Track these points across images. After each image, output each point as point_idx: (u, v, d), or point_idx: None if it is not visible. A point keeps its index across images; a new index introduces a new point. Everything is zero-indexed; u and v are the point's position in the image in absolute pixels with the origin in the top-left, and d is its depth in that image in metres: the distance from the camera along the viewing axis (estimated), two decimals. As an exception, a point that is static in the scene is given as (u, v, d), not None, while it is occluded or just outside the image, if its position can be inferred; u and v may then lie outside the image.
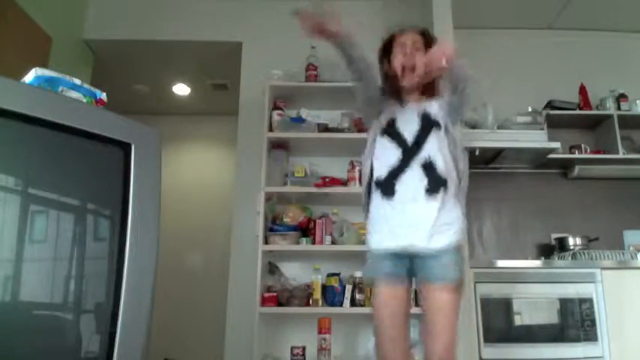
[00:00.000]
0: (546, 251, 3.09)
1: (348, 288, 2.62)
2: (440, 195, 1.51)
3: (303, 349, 2.53)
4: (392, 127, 1.59)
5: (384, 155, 1.58)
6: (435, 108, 1.60)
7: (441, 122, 1.57)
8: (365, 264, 1.64)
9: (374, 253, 1.58)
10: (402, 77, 1.59)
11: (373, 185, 1.59)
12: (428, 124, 1.56)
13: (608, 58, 3.47)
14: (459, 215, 1.56)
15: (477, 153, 3.00)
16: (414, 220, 1.49)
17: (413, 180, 1.52)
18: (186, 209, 4.34)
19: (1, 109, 1.02)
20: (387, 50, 1.67)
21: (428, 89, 1.65)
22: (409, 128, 1.56)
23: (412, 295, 1.63)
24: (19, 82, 1.20)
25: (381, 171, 1.57)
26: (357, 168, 2.71)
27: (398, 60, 1.60)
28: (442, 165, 1.53)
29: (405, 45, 1.62)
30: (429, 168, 1.52)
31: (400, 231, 1.50)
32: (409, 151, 1.54)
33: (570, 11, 3.36)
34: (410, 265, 1.53)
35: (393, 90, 1.64)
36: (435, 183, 1.51)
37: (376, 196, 1.58)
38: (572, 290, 2.57)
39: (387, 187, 1.54)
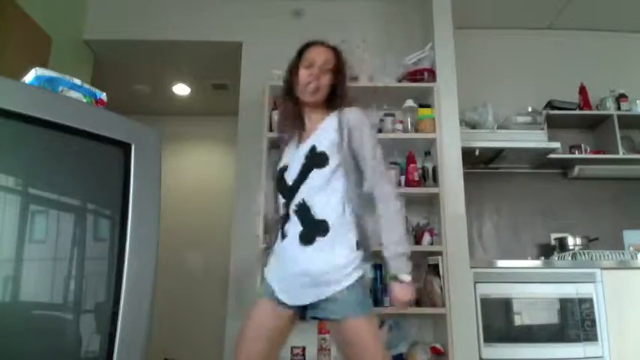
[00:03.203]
0: (546, 251, 3.09)
1: (348, 288, 2.62)
2: (318, 242, 1.43)
3: (303, 349, 2.53)
4: (282, 174, 1.55)
5: (280, 203, 1.56)
6: (326, 132, 1.51)
7: (329, 151, 1.47)
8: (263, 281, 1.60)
9: (267, 281, 1.55)
10: (303, 94, 1.56)
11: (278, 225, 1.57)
12: (310, 162, 1.48)
13: (608, 58, 3.48)
14: (349, 250, 1.44)
15: (477, 153, 3.00)
16: (293, 274, 1.45)
17: (291, 229, 1.48)
18: (187, 209, 4.34)
19: (1, 109, 1.02)
20: (297, 61, 1.61)
21: (333, 101, 1.59)
22: (294, 171, 1.51)
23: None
24: (19, 82, 1.20)
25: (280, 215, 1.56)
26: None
27: (303, 78, 1.55)
28: (322, 206, 1.45)
29: (314, 61, 1.56)
30: (302, 212, 1.46)
31: (282, 285, 1.47)
32: (288, 197, 1.51)
33: (570, 11, 3.36)
34: (300, 307, 1.48)
35: (295, 107, 1.60)
36: (310, 230, 1.44)
37: (279, 236, 1.55)
38: (572, 290, 2.57)
39: (280, 232, 1.53)
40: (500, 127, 3.07)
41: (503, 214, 3.25)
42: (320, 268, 1.41)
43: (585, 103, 3.25)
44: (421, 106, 2.84)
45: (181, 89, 4.25)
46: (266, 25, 3.33)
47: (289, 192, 1.50)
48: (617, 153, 3.06)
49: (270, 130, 2.81)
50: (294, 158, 1.54)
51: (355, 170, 1.51)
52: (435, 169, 2.75)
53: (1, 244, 1.04)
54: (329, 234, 1.43)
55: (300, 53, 1.61)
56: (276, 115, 2.84)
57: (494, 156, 3.14)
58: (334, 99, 1.58)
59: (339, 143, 1.48)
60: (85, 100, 1.31)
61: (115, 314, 1.14)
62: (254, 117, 2.99)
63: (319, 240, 1.43)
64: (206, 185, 4.53)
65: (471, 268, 2.57)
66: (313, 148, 1.49)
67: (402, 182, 2.73)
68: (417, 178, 2.72)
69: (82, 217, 1.22)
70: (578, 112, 3.22)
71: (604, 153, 3.14)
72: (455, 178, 2.69)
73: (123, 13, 3.36)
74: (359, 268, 1.44)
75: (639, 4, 3.27)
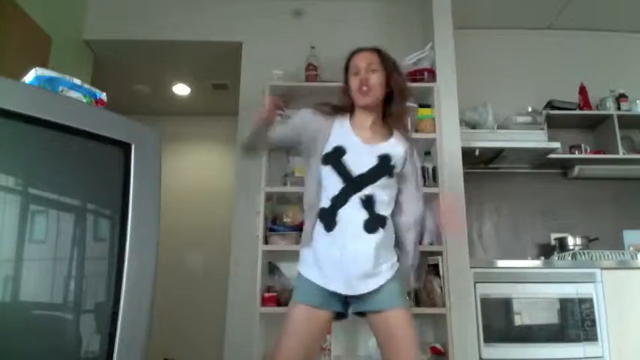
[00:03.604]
0: (546, 251, 3.09)
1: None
2: (381, 232, 1.51)
3: (303, 349, 2.53)
4: (339, 156, 1.56)
5: (329, 185, 1.56)
6: (398, 149, 1.61)
7: (398, 168, 1.59)
8: (296, 284, 1.59)
9: (305, 278, 1.53)
10: (357, 98, 1.61)
11: (317, 216, 1.56)
12: (384, 167, 1.56)
13: (608, 58, 3.48)
14: (393, 245, 1.59)
15: (477, 153, 3.00)
16: (350, 261, 1.47)
17: (353, 215, 1.51)
18: (187, 209, 4.34)
19: (1, 109, 1.02)
20: (346, 74, 1.69)
21: (390, 117, 1.66)
22: (360, 163, 1.55)
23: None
24: (19, 82, 1.20)
25: (325, 202, 1.55)
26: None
27: (354, 84, 1.61)
28: (386, 207, 1.55)
29: (359, 67, 1.62)
30: (368, 204, 1.52)
31: (335, 275, 1.48)
32: (352, 185, 1.52)
33: (570, 11, 3.36)
34: (343, 302, 1.52)
35: (349, 109, 1.66)
36: (374, 220, 1.51)
37: (319, 227, 1.54)
38: (572, 290, 2.57)
39: (329, 219, 1.52)
40: (500, 127, 3.07)
41: (503, 214, 3.25)
42: (378, 257, 1.49)
43: (585, 103, 3.25)
44: (421, 106, 2.83)
45: (181, 89, 4.25)
46: (266, 25, 3.33)
47: (356, 181, 1.53)
48: (617, 153, 3.06)
49: (270, 130, 2.81)
50: (358, 150, 1.57)
51: (398, 190, 1.64)
52: (435, 169, 2.74)
53: (1, 244, 1.04)
54: (386, 227, 1.54)
55: (347, 65, 1.68)
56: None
57: (494, 156, 3.14)
58: (392, 101, 1.65)
59: (402, 165, 1.62)
60: (85, 100, 1.31)
61: (115, 314, 1.14)
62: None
63: (380, 231, 1.51)
64: (206, 185, 4.53)
65: (471, 268, 2.57)
66: (388, 157, 1.58)
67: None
68: (417, 178, 2.72)
69: (82, 217, 1.22)
70: (578, 112, 3.22)
71: (604, 153, 3.14)
72: (455, 178, 2.69)
73: (123, 13, 3.37)
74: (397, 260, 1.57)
75: (639, 4, 3.27)
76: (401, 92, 1.65)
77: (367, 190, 1.52)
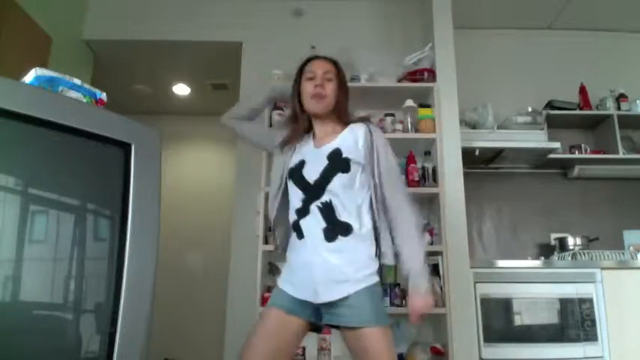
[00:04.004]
0: (546, 251, 3.09)
1: (348, 288, 2.61)
2: (340, 241, 1.45)
3: (303, 349, 2.53)
4: (299, 170, 1.55)
5: (293, 197, 1.56)
6: (352, 138, 1.57)
7: (353, 160, 1.51)
8: (272, 293, 1.60)
9: (278, 288, 1.55)
10: (309, 104, 1.61)
11: (291, 227, 1.57)
12: (335, 165, 1.50)
13: (608, 58, 3.48)
14: (367, 256, 1.48)
15: (477, 153, 3.00)
16: (315, 268, 1.45)
17: (312, 225, 1.48)
18: (186, 209, 4.34)
19: (1, 109, 1.02)
20: (299, 76, 1.67)
21: (342, 114, 1.64)
22: (314, 169, 1.52)
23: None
24: (19, 82, 1.20)
25: (292, 216, 1.55)
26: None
27: (308, 89, 1.60)
28: (345, 209, 1.47)
29: (315, 73, 1.61)
30: (327, 211, 1.47)
31: (303, 284, 1.46)
32: (309, 194, 1.50)
33: (570, 11, 3.36)
34: (316, 311, 1.48)
35: (306, 119, 1.66)
36: (334, 227, 1.46)
37: (293, 237, 1.56)
38: (572, 290, 2.57)
39: (297, 231, 1.52)
40: (500, 127, 3.08)
41: (503, 214, 3.25)
42: (342, 265, 1.43)
43: (585, 103, 3.25)
44: (421, 106, 2.83)
45: (181, 89, 4.25)
46: (266, 25, 3.33)
47: (312, 189, 1.50)
48: (617, 153, 3.06)
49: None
50: (312, 157, 1.56)
51: (373, 187, 1.52)
52: (435, 169, 2.75)
53: (1, 244, 1.04)
54: (351, 235, 1.46)
55: (301, 69, 1.67)
56: (276, 116, 2.84)
57: (494, 156, 3.14)
58: (340, 109, 1.63)
59: (364, 156, 1.53)
60: (85, 100, 1.31)
61: (115, 314, 1.14)
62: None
63: (341, 239, 1.45)
64: (206, 185, 4.53)
65: (471, 268, 2.57)
66: (338, 152, 1.52)
67: (402, 182, 2.73)
68: (417, 178, 2.72)
69: (82, 217, 1.22)
70: (578, 112, 3.23)
71: (604, 153, 3.14)
72: (455, 178, 2.69)
73: (123, 13, 3.37)
74: (376, 274, 1.47)
75: (639, 4, 3.27)
76: (342, 108, 1.64)
77: (325, 197, 1.48)
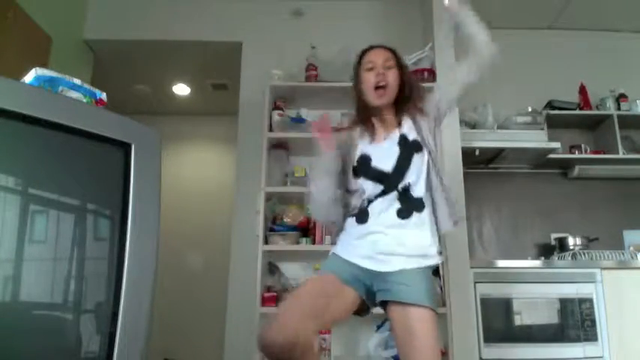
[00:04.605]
0: (546, 251, 3.09)
1: (348, 288, 2.61)
2: (416, 217, 1.47)
3: (303, 349, 2.53)
4: (367, 163, 1.54)
5: (363, 188, 1.53)
6: (408, 126, 1.56)
7: (420, 139, 1.53)
8: (324, 262, 1.57)
9: (334, 254, 1.53)
10: (374, 97, 1.56)
11: (348, 215, 1.56)
12: (410, 149, 1.52)
13: (608, 58, 3.47)
14: (433, 235, 1.51)
15: (477, 153, 3.00)
16: (385, 244, 1.45)
17: (383, 207, 1.48)
18: (187, 209, 4.34)
19: (1, 109, 1.02)
20: (358, 68, 1.63)
21: (402, 104, 1.60)
22: (386, 160, 1.52)
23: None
24: (19, 82, 1.20)
25: (356, 202, 1.54)
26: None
27: (369, 80, 1.56)
28: (421, 186, 1.50)
29: (375, 62, 1.58)
30: (405, 192, 1.49)
31: (368, 254, 1.45)
32: (388, 182, 1.50)
33: (570, 11, 3.36)
34: (370, 286, 1.47)
35: (366, 112, 1.61)
36: (409, 205, 1.48)
37: (350, 221, 1.54)
38: (572, 290, 2.57)
39: (362, 214, 1.51)
40: (500, 127, 3.07)
41: (503, 214, 3.25)
42: (415, 241, 1.46)
43: (585, 103, 3.25)
44: (421, 106, 2.83)
45: (181, 89, 4.25)
46: (266, 25, 3.33)
47: (391, 178, 1.49)
48: (617, 153, 3.06)
49: (270, 129, 2.81)
50: (379, 151, 1.54)
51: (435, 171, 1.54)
52: (435, 169, 2.74)
53: (1, 244, 1.04)
54: (424, 211, 1.49)
55: (358, 63, 1.63)
56: (276, 116, 2.85)
57: (494, 156, 3.14)
58: (404, 99, 1.60)
59: (428, 129, 1.56)
60: (85, 100, 1.31)
61: (115, 314, 1.14)
62: (254, 117, 2.99)
63: (416, 215, 1.48)
64: (206, 185, 4.53)
65: (471, 268, 2.57)
66: (404, 137, 1.53)
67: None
68: (417, 178, 2.72)
69: (82, 217, 1.22)
70: (578, 112, 3.22)
71: (604, 153, 3.14)
72: (455, 178, 2.69)
73: (123, 13, 3.37)
74: (437, 256, 1.50)
75: (639, 4, 3.27)
76: (415, 91, 1.62)
77: (404, 182, 1.49)
